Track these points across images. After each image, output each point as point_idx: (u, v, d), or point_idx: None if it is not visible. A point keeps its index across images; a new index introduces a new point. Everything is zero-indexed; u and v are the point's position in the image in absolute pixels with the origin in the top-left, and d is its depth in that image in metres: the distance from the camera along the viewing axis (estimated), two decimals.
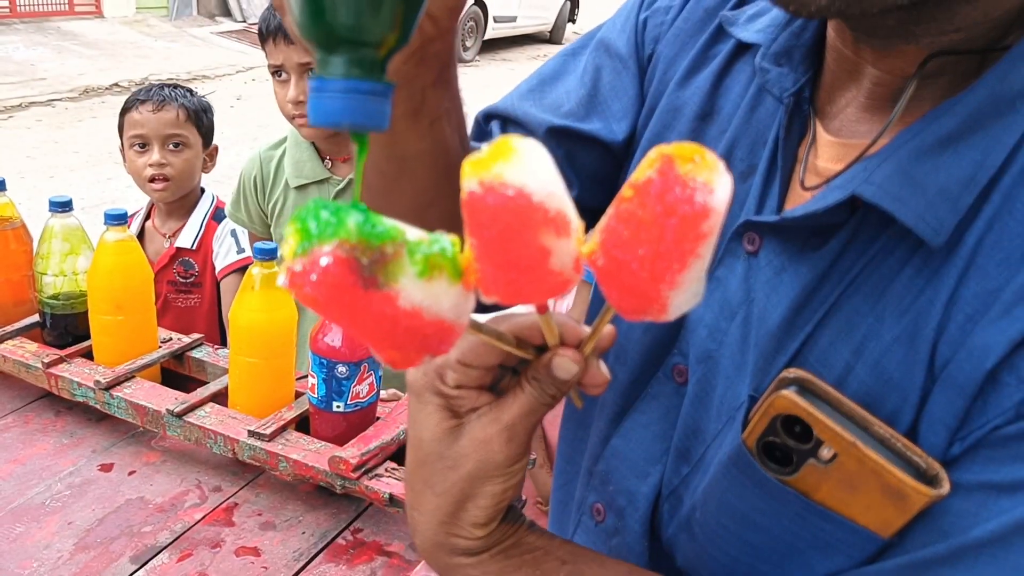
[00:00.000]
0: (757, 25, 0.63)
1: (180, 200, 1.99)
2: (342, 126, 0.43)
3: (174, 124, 1.92)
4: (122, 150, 2.00)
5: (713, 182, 0.40)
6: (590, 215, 0.75)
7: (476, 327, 0.48)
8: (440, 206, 0.64)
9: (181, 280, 1.96)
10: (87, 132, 6.84)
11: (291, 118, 1.78)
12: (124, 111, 1.96)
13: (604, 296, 0.44)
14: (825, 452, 0.51)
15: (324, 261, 0.38)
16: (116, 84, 8.47)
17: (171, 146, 1.93)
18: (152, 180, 1.92)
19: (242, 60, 9.65)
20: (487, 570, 0.54)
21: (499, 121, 0.74)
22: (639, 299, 0.43)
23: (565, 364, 0.48)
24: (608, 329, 0.50)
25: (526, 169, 0.39)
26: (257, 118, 6.88)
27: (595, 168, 0.71)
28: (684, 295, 0.42)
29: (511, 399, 0.50)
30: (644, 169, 0.40)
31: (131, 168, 1.96)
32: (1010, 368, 0.48)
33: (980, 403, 0.49)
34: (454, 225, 0.67)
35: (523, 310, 0.49)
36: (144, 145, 1.93)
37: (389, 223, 0.40)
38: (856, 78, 0.57)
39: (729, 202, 0.40)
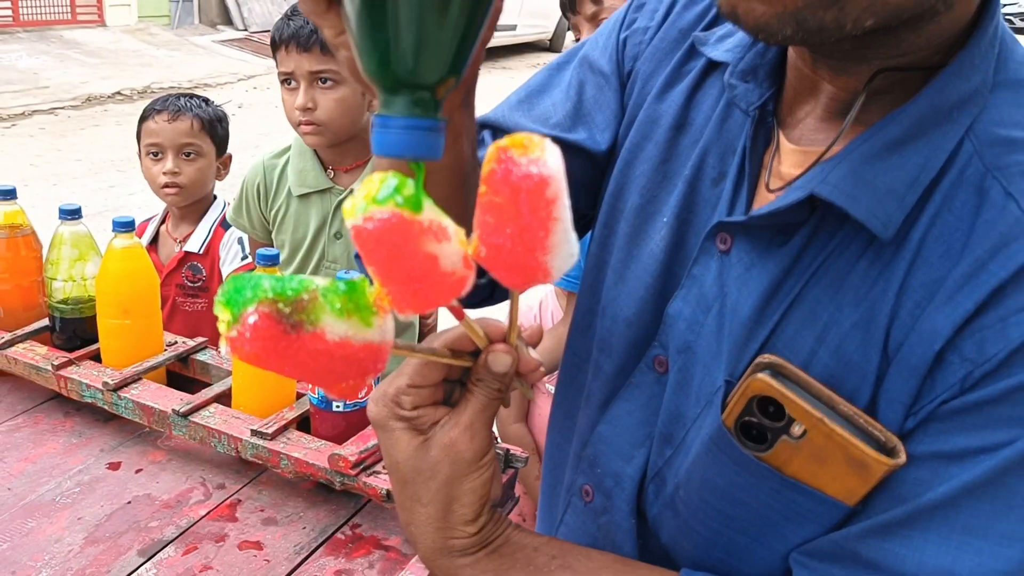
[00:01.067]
0: (726, 45, 0.68)
1: (192, 206, 2.04)
2: (403, 158, 0.49)
3: (188, 134, 1.98)
4: (140, 156, 2.05)
5: (543, 156, 0.46)
6: (577, 218, 0.81)
7: (412, 349, 0.55)
8: (453, 214, 0.69)
9: (189, 284, 2.01)
10: (90, 140, 6.91)
11: (296, 125, 1.81)
12: (142, 120, 2.02)
13: (498, 280, 0.50)
14: (796, 429, 0.56)
15: (252, 320, 0.45)
16: (118, 92, 8.53)
17: (184, 155, 1.99)
18: (165, 187, 1.97)
19: (243, 68, 9.72)
20: (485, 568, 0.59)
21: (491, 131, 0.79)
22: (523, 271, 0.49)
23: (499, 359, 0.55)
24: (532, 326, 0.57)
25: (396, 195, 0.45)
26: (258, 126, 6.95)
27: (581, 175, 0.76)
28: (559, 257, 0.48)
29: (464, 403, 0.56)
30: (488, 164, 0.46)
31: (147, 175, 2.02)
32: (954, 348, 0.53)
33: (929, 381, 0.54)
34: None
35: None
36: (159, 153, 1.99)
37: (299, 279, 0.46)
38: (814, 93, 0.62)
39: (562, 168, 0.47)
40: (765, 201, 0.63)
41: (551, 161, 0.46)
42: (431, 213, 0.46)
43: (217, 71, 9.54)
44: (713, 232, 0.64)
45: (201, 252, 2.02)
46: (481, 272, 0.77)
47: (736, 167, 0.65)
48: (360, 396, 1.21)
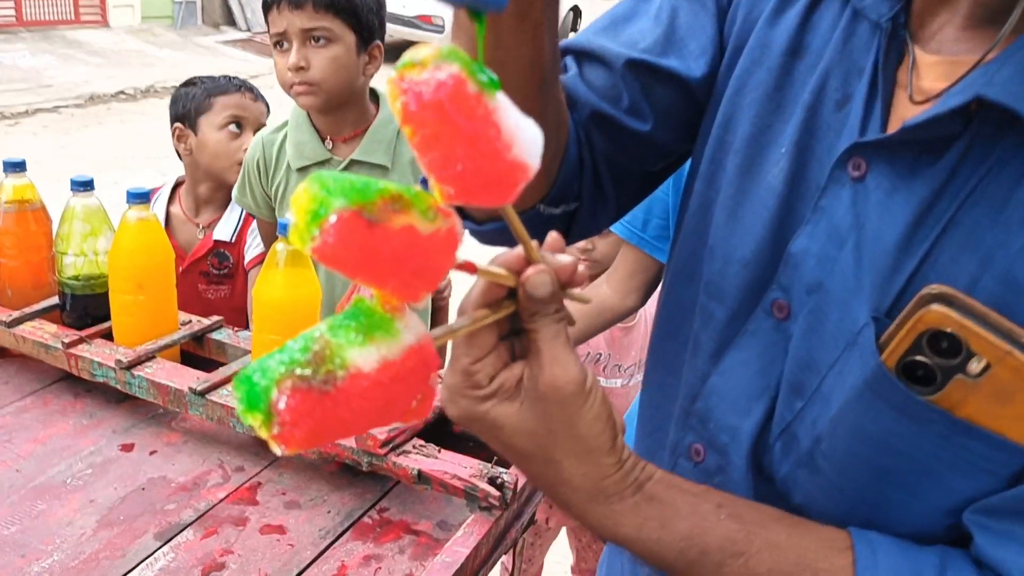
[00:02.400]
0: None
1: (219, 192, 1.97)
2: (464, 3, 0.45)
3: (264, 116, 1.89)
4: (183, 130, 1.95)
5: (440, 59, 0.42)
6: (660, 153, 0.75)
7: (452, 330, 0.50)
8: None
9: (215, 272, 1.94)
10: (93, 138, 6.86)
11: (289, 87, 1.75)
12: (215, 93, 1.92)
13: (485, 206, 0.46)
14: (974, 365, 0.51)
15: (282, 405, 0.40)
16: (122, 92, 8.50)
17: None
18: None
19: (246, 68, 9.68)
20: (647, 515, 0.55)
21: (573, 56, 0.74)
22: (501, 182, 0.44)
23: (537, 283, 0.50)
24: (553, 239, 0.53)
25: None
26: None
27: (670, 104, 0.71)
28: (525, 144, 0.44)
29: (534, 345, 0.51)
30: (395, 102, 0.42)
31: (220, 149, 1.91)
32: None
33: None
34: None
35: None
36: (237, 131, 1.90)
37: (301, 337, 0.42)
38: (949, 1, 0.58)
39: (461, 66, 0.42)
40: (903, 119, 0.57)
41: (446, 64, 0.42)
42: (377, 194, 0.41)
43: (220, 71, 9.49)
44: (844, 158, 0.59)
45: (232, 240, 1.95)
46: (558, 201, 0.71)
47: (866, 86, 0.60)
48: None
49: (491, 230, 0.71)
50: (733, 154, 0.67)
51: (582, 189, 0.73)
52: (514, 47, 0.59)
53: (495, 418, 0.52)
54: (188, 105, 1.95)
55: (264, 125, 1.94)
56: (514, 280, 0.51)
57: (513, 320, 0.53)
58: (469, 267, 0.48)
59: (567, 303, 0.53)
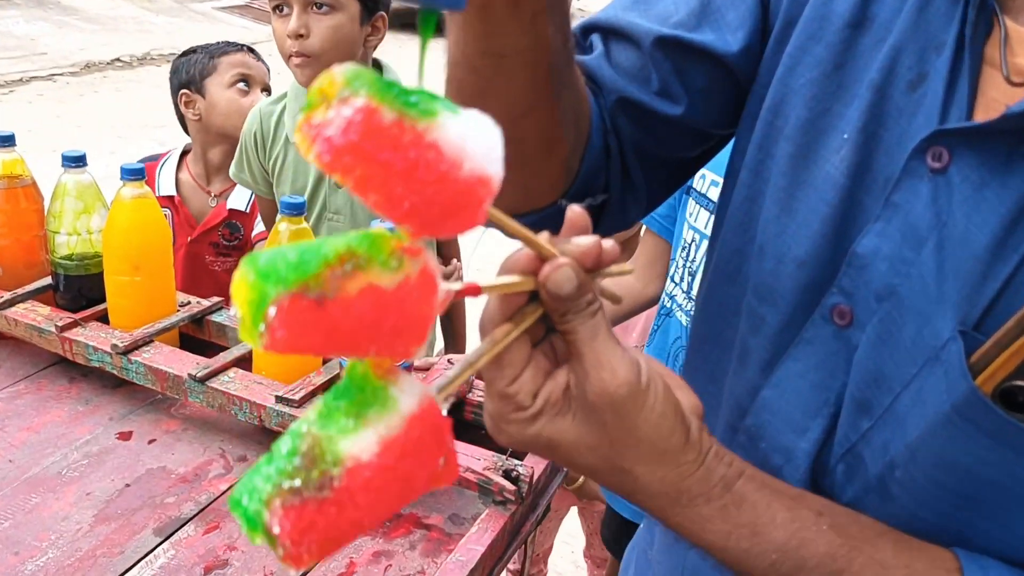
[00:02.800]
0: None
1: (228, 157, 1.90)
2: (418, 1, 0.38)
3: (267, 76, 1.84)
4: (190, 95, 1.89)
5: (342, 87, 0.37)
6: (695, 138, 0.68)
7: (475, 361, 0.45)
8: (536, 116, 0.57)
9: (224, 243, 1.88)
10: (89, 107, 6.76)
11: (288, 56, 1.68)
12: (218, 54, 1.86)
13: (449, 235, 0.40)
14: None
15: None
16: (118, 59, 8.36)
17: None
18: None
19: (245, 36, 9.52)
20: (738, 522, 0.49)
21: (599, 34, 0.67)
22: (461, 207, 0.38)
23: (558, 279, 0.44)
24: (574, 217, 0.47)
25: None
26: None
27: (705, 83, 0.64)
28: (478, 153, 0.38)
29: (573, 349, 0.46)
30: (307, 155, 0.37)
31: (233, 107, 1.86)
32: None
33: None
34: (549, 139, 0.60)
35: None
36: (246, 88, 1.84)
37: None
38: None
39: (369, 94, 0.36)
40: (994, 102, 0.51)
41: (355, 81, 0.37)
42: (321, 263, 0.36)
43: (218, 38, 9.34)
44: (923, 146, 0.51)
45: (247, 210, 1.89)
46: (581, 195, 0.65)
47: (948, 64, 0.52)
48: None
49: (531, 221, 0.66)
50: (785, 141, 0.59)
51: (609, 180, 0.66)
52: (511, 37, 0.52)
53: (549, 437, 0.46)
54: (192, 70, 1.89)
55: (269, 88, 1.87)
56: (532, 282, 0.45)
57: (545, 317, 0.47)
58: (473, 290, 0.42)
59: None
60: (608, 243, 0.46)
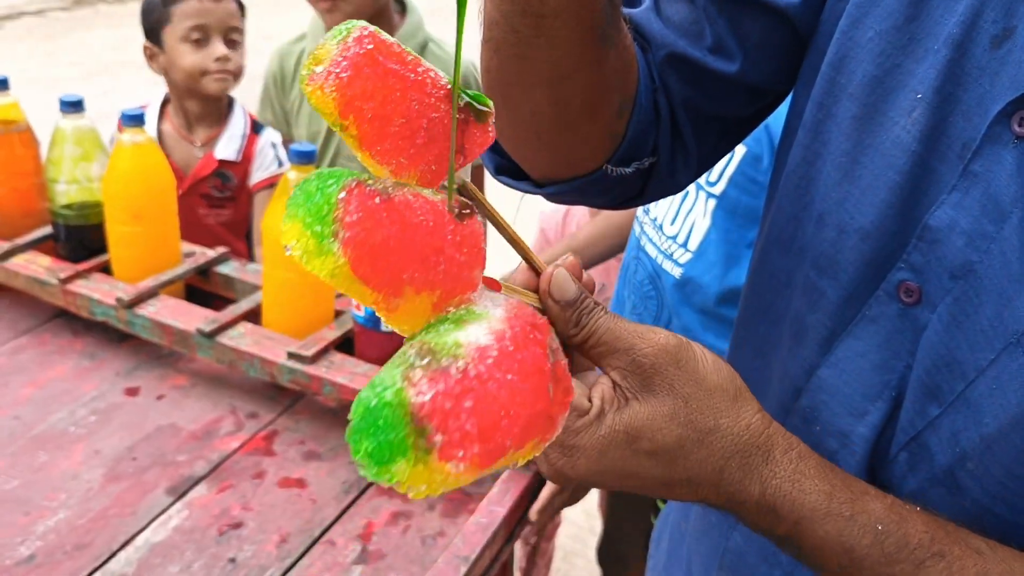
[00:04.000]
0: None
1: (212, 104, 1.80)
2: None
3: (234, 16, 1.73)
4: (152, 48, 1.79)
5: (337, 39, 0.38)
6: (751, 95, 0.64)
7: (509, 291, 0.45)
8: (579, 79, 0.52)
9: (216, 195, 1.80)
10: (81, 43, 6.60)
11: (316, 1, 1.62)
12: (171, 1, 1.75)
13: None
14: None
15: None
16: None
17: (230, 41, 1.73)
18: (214, 73, 1.71)
19: None
20: (834, 482, 0.47)
21: None
22: (461, 140, 0.41)
23: (561, 284, 0.45)
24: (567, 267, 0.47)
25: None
26: (261, 28, 6.62)
27: (763, 38, 0.59)
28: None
29: (603, 341, 0.46)
30: (327, 109, 0.39)
31: (183, 63, 1.71)
32: None
33: None
34: (594, 102, 0.55)
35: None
36: (203, 38, 1.72)
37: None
38: None
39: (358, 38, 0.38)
40: None
41: (354, 33, 0.39)
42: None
43: None
44: (1009, 110, 0.46)
45: (238, 159, 1.81)
46: (628, 159, 0.61)
47: None
48: None
49: (555, 192, 0.61)
50: (848, 100, 0.54)
51: (658, 142, 0.61)
52: None
53: (626, 427, 0.44)
54: (151, 18, 1.76)
55: (235, 27, 1.75)
56: (535, 297, 0.46)
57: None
58: (493, 284, 0.43)
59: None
60: (570, 258, 0.47)
